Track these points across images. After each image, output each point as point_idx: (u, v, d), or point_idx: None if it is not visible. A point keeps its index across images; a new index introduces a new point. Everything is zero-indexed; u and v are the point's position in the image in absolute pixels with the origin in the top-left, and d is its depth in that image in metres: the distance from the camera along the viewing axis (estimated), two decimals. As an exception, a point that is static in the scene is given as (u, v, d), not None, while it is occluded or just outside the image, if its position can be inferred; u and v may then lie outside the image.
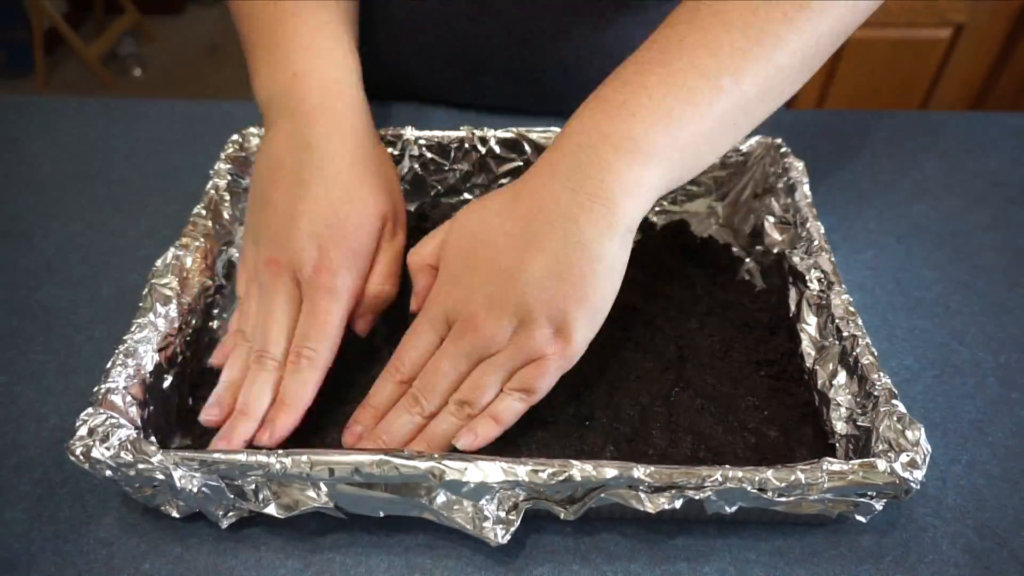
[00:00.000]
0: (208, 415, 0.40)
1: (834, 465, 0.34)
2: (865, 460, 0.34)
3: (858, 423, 0.38)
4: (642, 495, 0.34)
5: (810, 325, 0.45)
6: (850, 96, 1.44)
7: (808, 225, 0.47)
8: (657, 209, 0.57)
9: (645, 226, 0.55)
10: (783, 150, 0.53)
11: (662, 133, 0.37)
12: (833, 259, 0.45)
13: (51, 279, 0.53)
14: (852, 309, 0.42)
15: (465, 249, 0.39)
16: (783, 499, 0.34)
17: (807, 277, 0.45)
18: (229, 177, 0.52)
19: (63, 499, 0.40)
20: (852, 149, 0.65)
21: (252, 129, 0.54)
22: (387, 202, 0.44)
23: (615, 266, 0.37)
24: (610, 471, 0.34)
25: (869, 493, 0.35)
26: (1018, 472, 0.42)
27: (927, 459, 0.34)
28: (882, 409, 0.37)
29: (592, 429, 0.41)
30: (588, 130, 0.37)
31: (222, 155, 0.53)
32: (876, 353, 0.39)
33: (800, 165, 0.52)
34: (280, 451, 0.34)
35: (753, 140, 0.54)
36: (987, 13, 1.34)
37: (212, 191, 0.50)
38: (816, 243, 0.46)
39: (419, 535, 0.39)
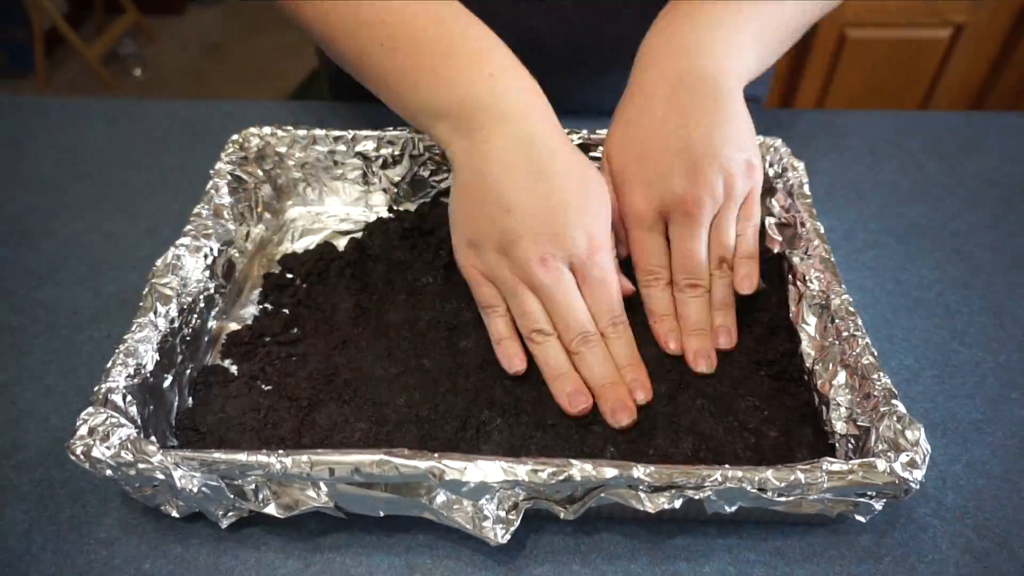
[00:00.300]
0: (579, 406, 0.42)
1: (834, 465, 0.34)
2: (865, 460, 0.34)
3: (858, 423, 0.38)
4: (642, 495, 0.34)
5: (810, 325, 0.45)
6: (850, 96, 1.44)
7: (808, 225, 0.48)
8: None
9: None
10: (783, 150, 0.53)
11: (752, 38, 0.47)
12: (833, 259, 0.45)
13: (52, 279, 0.53)
14: (852, 309, 0.42)
15: (637, 152, 0.46)
16: (783, 499, 0.34)
17: (807, 277, 0.45)
18: (229, 177, 0.52)
19: (63, 499, 0.40)
20: (852, 149, 0.65)
21: (252, 129, 0.54)
22: (604, 178, 0.47)
23: (746, 108, 0.47)
24: (610, 471, 0.34)
25: (869, 493, 0.35)
26: (1018, 472, 0.42)
27: (927, 459, 0.34)
28: (882, 409, 0.37)
29: (592, 431, 0.41)
30: (700, 29, 0.46)
31: (223, 155, 0.53)
32: (876, 353, 0.39)
33: (800, 165, 0.52)
34: (280, 451, 0.34)
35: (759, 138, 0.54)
36: (987, 13, 1.34)
37: (212, 191, 0.50)
38: (816, 243, 0.46)
39: (419, 535, 0.39)
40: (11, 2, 2.15)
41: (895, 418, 0.36)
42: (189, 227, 0.47)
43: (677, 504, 0.34)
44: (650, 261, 0.46)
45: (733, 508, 0.35)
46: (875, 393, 0.38)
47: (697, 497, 0.34)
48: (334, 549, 0.38)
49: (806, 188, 0.50)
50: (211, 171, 0.52)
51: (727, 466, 0.34)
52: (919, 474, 0.34)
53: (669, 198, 0.44)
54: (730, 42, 0.46)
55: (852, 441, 0.39)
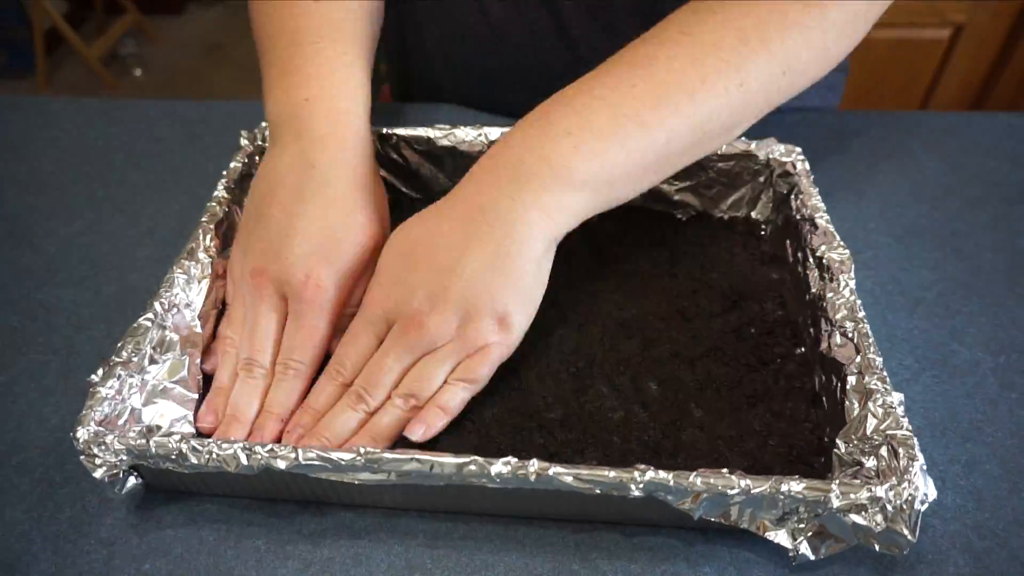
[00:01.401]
0: (203, 422, 0.41)
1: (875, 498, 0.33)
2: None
3: (859, 424, 0.38)
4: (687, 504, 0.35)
5: (812, 327, 0.45)
6: (850, 96, 1.44)
7: (812, 226, 0.48)
8: (656, 209, 0.57)
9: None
10: (784, 151, 0.53)
11: (596, 168, 0.40)
12: (836, 260, 0.45)
13: (52, 279, 0.53)
14: (854, 310, 0.42)
15: (403, 252, 0.41)
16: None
17: (809, 278, 0.45)
18: (234, 186, 0.50)
19: (63, 499, 0.40)
20: (852, 149, 0.65)
21: (248, 140, 0.54)
22: (380, 231, 0.45)
23: (543, 267, 0.41)
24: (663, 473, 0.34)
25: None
26: (1018, 472, 0.42)
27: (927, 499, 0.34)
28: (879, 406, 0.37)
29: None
30: (532, 149, 0.40)
31: (228, 168, 0.51)
32: (878, 354, 0.39)
33: (800, 166, 0.52)
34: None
35: (755, 140, 0.54)
36: (987, 13, 1.34)
37: (223, 193, 0.49)
38: (819, 243, 0.46)
39: (419, 535, 0.39)
40: (11, 2, 2.15)
41: (893, 422, 0.36)
42: (197, 233, 0.46)
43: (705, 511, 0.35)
44: (346, 355, 0.42)
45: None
46: (875, 392, 0.37)
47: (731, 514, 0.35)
48: (334, 549, 0.38)
49: (807, 188, 0.50)
50: (222, 174, 0.50)
51: (744, 480, 0.34)
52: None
53: (402, 308, 0.40)
54: (570, 196, 0.40)
55: (854, 445, 0.38)
